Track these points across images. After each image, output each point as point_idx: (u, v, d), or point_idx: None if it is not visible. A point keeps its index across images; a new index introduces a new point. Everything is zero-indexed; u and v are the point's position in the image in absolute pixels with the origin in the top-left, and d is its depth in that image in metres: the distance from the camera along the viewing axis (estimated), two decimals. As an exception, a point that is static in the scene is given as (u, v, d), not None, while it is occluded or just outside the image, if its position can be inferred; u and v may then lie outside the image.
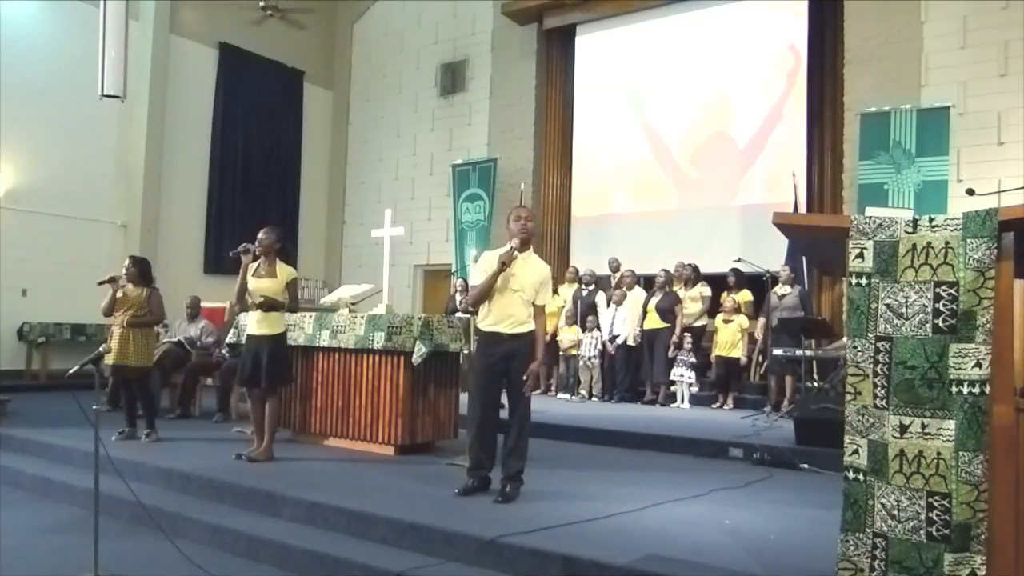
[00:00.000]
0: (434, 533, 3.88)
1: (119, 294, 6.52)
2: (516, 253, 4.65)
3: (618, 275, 10.37)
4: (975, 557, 2.42)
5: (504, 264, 4.61)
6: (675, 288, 9.67)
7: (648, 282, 10.03)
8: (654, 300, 9.47)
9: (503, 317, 4.66)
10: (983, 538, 2.42)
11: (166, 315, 7.13)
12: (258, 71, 14.00)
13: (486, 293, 4.68)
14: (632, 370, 9.69)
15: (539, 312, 4.80)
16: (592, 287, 10.38)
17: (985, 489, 2.43)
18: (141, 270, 6.68)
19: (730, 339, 9.07)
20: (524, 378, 4.58)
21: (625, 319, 9.64)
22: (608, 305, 9.98)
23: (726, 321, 9.14)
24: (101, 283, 6.59)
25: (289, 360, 6.04)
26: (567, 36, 12.91)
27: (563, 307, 10.27)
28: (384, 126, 14.74)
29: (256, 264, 5.83)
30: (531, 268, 4.74)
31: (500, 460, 4.69)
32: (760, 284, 9.28)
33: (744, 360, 9.12)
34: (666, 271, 9.70)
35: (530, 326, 4.70)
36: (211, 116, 13.44)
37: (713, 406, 9.20)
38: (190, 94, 13.06)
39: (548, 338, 10.20)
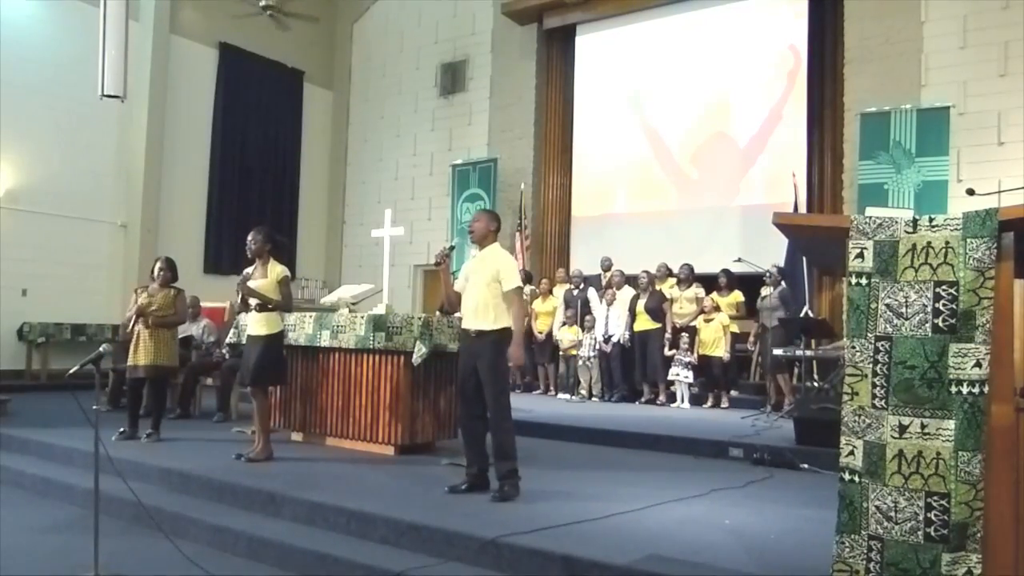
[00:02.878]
0: (434, 533, 3.89)
1: (143, 298, 6.55)
2: (452, 249, 5.00)
3: (608, 275, 10.40)
4: (971, 556, 2.42)
5: (436, 261, 4.97)
6: (661, 287, 9.70)
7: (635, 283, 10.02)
8: (641, 301, 9.49)
9: (466, 313, 4.83)
10: (979, 537, 2.42)
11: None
12: (258, 71, 14.00)
13: (445, 293, 5.04)
14: (628, 369, 9.69)
15: (509, 298, 4.75)
16: (582, 285, 10.43)
17: (982, 488, 2.43)
18: (173, 271, 6.77)
19: (711, 337, 9.13)
20: (510, 363, 4.73)
21: (618, 318, 9.67)
22: (601, 303, 10.00)
23: (707, 320, 9.20)
24: (130, 315, 6.65)
25: (282, 360, 6.00)
26: (567, 36, 12.90)
27: (555, 308, 10.31)
28: (384, 126, 14.74)
29: (252, 268, 5.84)
30: (485, 259, 4.86)
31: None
32: (760, 284, 9.28)
33: (727, 358, 9.12)
34: (647, 272, 9.73)
35: (496, 323, 4.70)
36: (211, 116, 13.44)
37: (704, 406, 9.21)
38: (190, 94, 13.06)
39: (543, 337, 10.25)
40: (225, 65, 13.54)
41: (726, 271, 9.59)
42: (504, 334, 4.73)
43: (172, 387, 8.12)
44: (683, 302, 9.54)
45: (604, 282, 10.47)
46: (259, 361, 5.67)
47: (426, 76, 14.18)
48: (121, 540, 4.36)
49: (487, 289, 4.72)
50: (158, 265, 6.78)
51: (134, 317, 6.54)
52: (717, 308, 9.24)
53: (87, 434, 4.04)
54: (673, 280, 9.90)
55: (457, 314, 5.11)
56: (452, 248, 5.05)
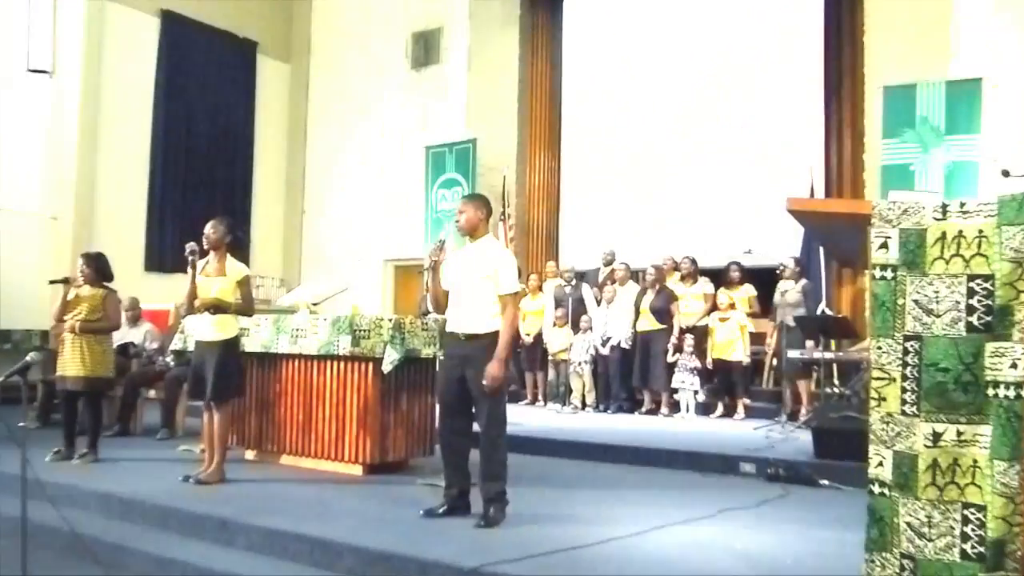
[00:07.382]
0: (407, 563, 3.87)
1: (70, 296, 6.48)
2: (443, 243, 4.91)
3: (608, 269, 10.36)
4: (1008, 576, 2.44)
5: (432, 260, 4.89)
6: (670, 284, 9.68)
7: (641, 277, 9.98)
8: (647, 299, 9.45)
9: (457, 314, 4.74)
10: (1019, 555, 2.44)
11: (122, 321, 7.08)
12: (205, 42, 13.90)
13: (434, 293, 4.94)
14: (627, 375, 9.66)
15: (503, 303, 4.67)
16: (574, 282, 10.38)
17: (1021, 502, 2.44)
18: (98, 268, 6.65)
19: (727, 339, 9.11)
20: (484, 384, 4.48)
21: (619, 319, 9.64)
22: (598, 303, 9.97)
23: (722, 320, 9.18)
24: (53, 282, 6.53)
25: (241, 368, 6.01)
26: (554, 1, 12.91)
27: (544, 306, 10.28)
28: (349, 104, 14.67)
29: (204, 261, 5.80)
30: (480, 253, 4.78)
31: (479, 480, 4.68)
32: (771, 278, 9.31)
33: (746, 362, 9.15)
34: (656, 267, 9.69)
35: (491, 325, 4.64)
36: (152, 93, 13.31)
37: (712, 415, 9.23)
38: (128, 68, 12.92)
39: (531, 339, 10.23)
40: (168, 35, 13.41)
41: (737, 263, 9.58)
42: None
43: (110, 401, 8.08)
44: (689, 300, 9.53)
45: (601, 278, 10.41)
46: (219, 371, 5.64)
47: (396, 47, 14.11)
48: (53, 574, 4.30)
49: (481, 287, 4.66)
50: (79, 263, 6.71)
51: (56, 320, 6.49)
52: (732, 306, 9.22)
53: (13, 455, 4.00)
54: (677, 275, 9.87)
55: (434, 315, 5.09)
56: (443, 242, 4.92)
